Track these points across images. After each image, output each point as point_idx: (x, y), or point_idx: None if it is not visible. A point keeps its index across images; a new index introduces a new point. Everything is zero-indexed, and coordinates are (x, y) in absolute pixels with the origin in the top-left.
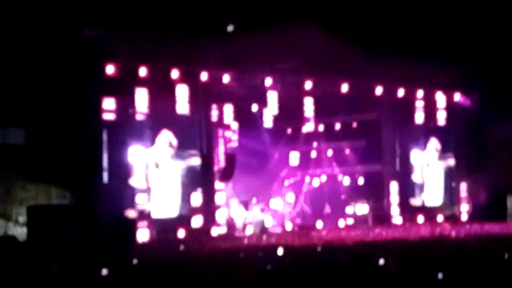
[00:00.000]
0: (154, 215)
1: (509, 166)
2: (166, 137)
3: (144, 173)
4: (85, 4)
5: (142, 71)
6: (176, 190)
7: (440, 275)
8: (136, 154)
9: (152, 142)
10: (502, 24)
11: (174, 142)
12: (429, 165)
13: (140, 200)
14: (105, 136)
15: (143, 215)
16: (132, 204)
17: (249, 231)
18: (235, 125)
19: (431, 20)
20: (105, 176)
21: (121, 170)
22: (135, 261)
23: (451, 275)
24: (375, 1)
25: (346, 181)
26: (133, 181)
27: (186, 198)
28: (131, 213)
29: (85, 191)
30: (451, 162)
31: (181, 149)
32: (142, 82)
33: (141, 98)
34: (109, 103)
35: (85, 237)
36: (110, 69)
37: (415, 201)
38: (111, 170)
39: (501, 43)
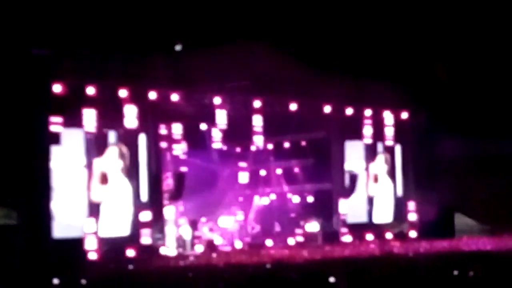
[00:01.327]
0: (102, 234)
1: (456, 184)
2: (115, 151)
3: (93, 189)
4: (33, 23)
5: (90, 91)
6: (124, 208)
7: None
8: (84, 170)
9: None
10: (449, 45)
11: (124, 154)
12: (377, 183)
13: (89, 219)
14: (52, 155)
15: (92, 233)
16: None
17: (198, 250)
18: (184, 145)
19: (378, 40)
20: (53, 195)
21: (68, 189)
22: (83, 281)
23: None
24: (323, 22)
25: (295, 199)
26: (81, 199)
27: (135, 216)
28: (79, 232)
29: (32, 210)
30: (399, 180)
31: (130, 168)
32: (89, 102)
33: (89, 117)
34: (56, 122)
35: (32, 257)
36: (57, 88)
37: (364, 219)
38: (59, 191)
39: (449, 62)
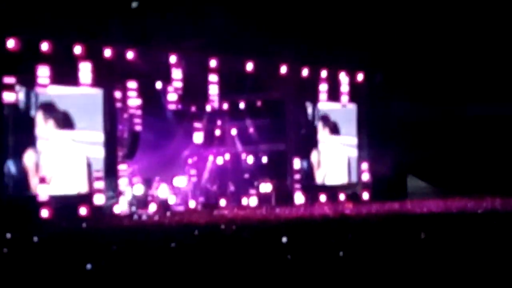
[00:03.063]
0: (55, 192)
1: (409, 146)
2: (67, 115)
3: (45, 149)
4: None
5: (44, 46)
6: (78, 167)
7: (341, 253)
8: (38, 131)
9: (54, 119)
10: (405, 7)
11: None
12: (331, 144)
13: (42, 178)
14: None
15: (45, 192)
16: (33, 182)
17: (152, 209)
18: (138, 102)
19: (337, 2)
20: (6, 155)
21: (22, 149)
22: (35, 238)
23: (352, 254)
24: None
25: (250, 159)
26: (34, 159)
27: (88, 175)
28: (32, 191)
29: None
30: (354, 141)
31: (84, 127)
32: (44, 58)
33: (43, 74)
34: (9, 80)
35: None
36: (11, 44)
37: (318, 180)
38: (12, 149)
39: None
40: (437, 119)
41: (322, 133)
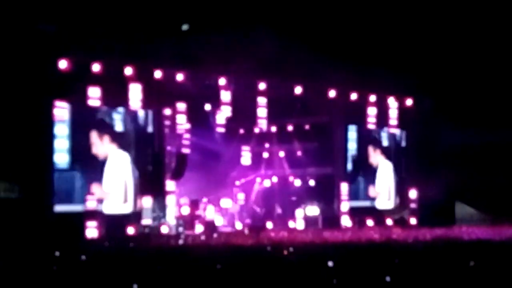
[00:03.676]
0: (104, 211)
1: (458, 172)
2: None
3: (95, 167)
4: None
5: (95, 68)
6: (126, 186)
7: (387, 278)
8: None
9: (104, 138)
10: (455, 33)
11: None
12: (379, 169)
13: (91, 195)
14: (56, 131)
15: (93, 210)
16: (81, 200)
17: (199, 230)
18: (187, 124)
19: (386, 27)
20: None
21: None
22: (83, 257)
23: (399, 278)
24: (330, 6)
25: (297, 182)
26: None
27: (137, 195)
28: (80, 209)
29: (35, 185)
30: (402, 166)
31: (134, 147)
32: (95, 79)
33: (94, 95)
34: (61, 99)
35: (33, 232)
36: (63, 64)
37: (365, 204)
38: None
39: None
40: (486, 145)
41: (370, 157)
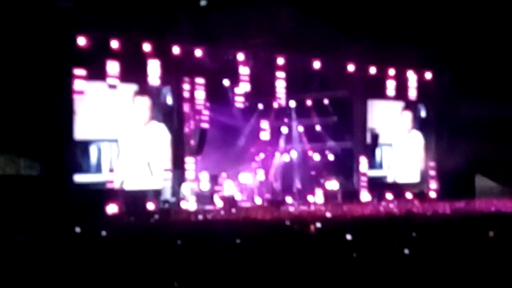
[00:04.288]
0: (124, 187)
1: (477, 145)
2: (142, 103)
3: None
4: None
5: (114, 44)
6: (146, 162)
7: (406, 251)
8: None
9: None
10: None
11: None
12: (399, 143)
13: (110, 172)
14: (75, 107)
15: (113, 186)
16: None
17: (218, 204)
18: (206, 99)
19: (402, 1)
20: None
21: (91, 142)
22: (103, 232)
23: (418, 252)
24: None
25: (316, 157)
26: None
27: (156, 170)
28: (100, 185)
29: (55, 162)
30: (421, 140)
31: (154, 121)
32: (113, 55)
33: (112, 70)
34: (80, 74)
35: (54, 208)
36: (81, 41)
37: (384, 178)
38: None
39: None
40: (507, 117)
41: (389, 131)
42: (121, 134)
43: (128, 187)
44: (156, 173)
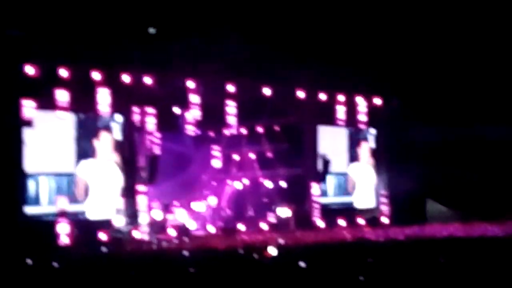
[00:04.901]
0: (74, 217)
1: (428, 170)
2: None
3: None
4: (5, 5)
5: (63, 73)
6: (98, 191)
7: (361, 278)
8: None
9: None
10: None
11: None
12: (349, 169)
13: (61, 201)
14: (24, 137)
15: (65, 216)
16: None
17: (171, 233)
18: (157, 128)
19: (352, 26)
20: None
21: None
22: (55, 264)
23: (373, 277)
24: (296, 7)
25: (268, 184)
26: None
27: (108, 200)
28: (51, 215)
29: (4, 193)
30: (372, 165)
31: (103, 152)
32: (62, 84)
33: (62, 99)
34: (28, 104)
35: (4, 238)
36: (29, 70)
37: (336, 205)
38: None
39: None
40: (456, 142)
41: (340, 157)
42: (73, 165)
43: (80, 217)
44: (108, 203)
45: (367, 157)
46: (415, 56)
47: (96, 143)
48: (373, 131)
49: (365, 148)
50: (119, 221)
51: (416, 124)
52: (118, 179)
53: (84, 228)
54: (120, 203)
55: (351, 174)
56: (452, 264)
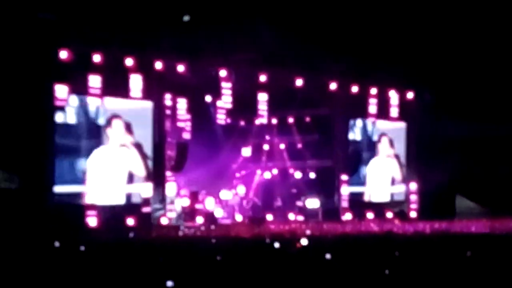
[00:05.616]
0: (104, 202)
1: (458, 165)
2: (120, 124)
3: (95, 158)
4: None
5: (96, 58)
6: (127, 177)
7: (387, 271)
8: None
9: (105, 128)
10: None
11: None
12: (380, 162)
13: (90, 186)
14: (56, 121)
15: (93, 201)
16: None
17: (198, 221)
18: (187, 115)
19: (387, 19)
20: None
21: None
22: (82, 247)
23: (398, 271)
24: (329, 1)
25: (297, 175)
26: (84, 166)
27: (137, 186)
28: (80, 199)
29: (34, 175)
30: (402, 159)
31: (135, 137)
32: (95, 69)
33: (94, 84)
34: (61, 88)
35: (32, 222)
36: (63, 55)
37: (365, 197)
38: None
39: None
40: (487, 137)
41: (371, 150)
42: (101, 150)
43: (107, 201)
44: (137, 188)
45: (386, 151)
46: (448, 51)
47: (108, 130)
48: (402, 124)
49: (385, 142)
50: (147, 207)
51: (447, 118)
52: (135, 165)
53: (112, 212)
54: (149, 189)
55: (371, 168)
56: (479, 260)
